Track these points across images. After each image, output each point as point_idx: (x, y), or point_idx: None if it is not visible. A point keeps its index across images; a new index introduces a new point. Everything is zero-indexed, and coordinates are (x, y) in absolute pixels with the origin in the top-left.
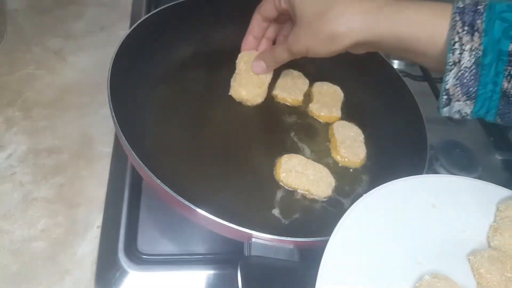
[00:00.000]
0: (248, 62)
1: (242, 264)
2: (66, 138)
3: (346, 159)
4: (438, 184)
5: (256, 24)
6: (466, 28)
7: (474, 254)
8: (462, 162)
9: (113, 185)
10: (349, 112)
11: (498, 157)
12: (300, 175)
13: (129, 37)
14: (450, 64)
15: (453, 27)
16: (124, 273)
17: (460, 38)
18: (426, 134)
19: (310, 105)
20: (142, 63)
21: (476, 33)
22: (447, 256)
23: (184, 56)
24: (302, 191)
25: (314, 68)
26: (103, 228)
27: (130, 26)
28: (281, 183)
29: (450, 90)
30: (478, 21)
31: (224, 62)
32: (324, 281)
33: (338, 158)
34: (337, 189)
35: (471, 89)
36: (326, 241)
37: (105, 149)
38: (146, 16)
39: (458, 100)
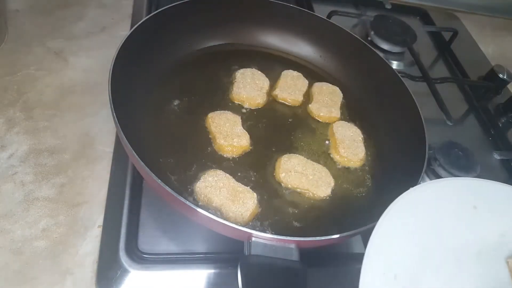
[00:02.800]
0: (244, 73)
1: (242, 263)
2: (67, 138)
3: (345, 159)
4: (481, 187)
5: None
6: None
7: None
8: (461, 162)
9: (114, 185)
10: (349, 112)
11: (497, 157)
12: (300, 175)
13: (130, 38)
14: None
15: None
16: (125, 272)
17: None
18: (425, 134)
19: (310, 105)
20: (143, 63)
21: None
22: (485, 257)
23: (184, 56)
24: (302, 191)
25: (314, 69)
26: (104, 228)
27: (131, 27)
28: (281, 183)
29: None
30: None
31: (224, 63)
32: (368, 271)
33: (337, 158)
34: (336, 189)
35: None
36: (326, 241)
37: (106, 149)
38: (147, 17)
39: None
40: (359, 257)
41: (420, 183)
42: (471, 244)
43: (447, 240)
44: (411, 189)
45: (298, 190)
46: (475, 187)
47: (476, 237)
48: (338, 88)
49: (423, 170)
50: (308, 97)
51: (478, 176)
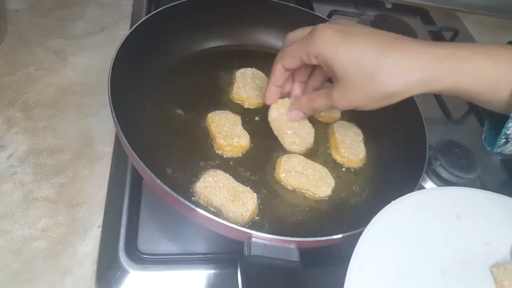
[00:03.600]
0: (244, 73)
1: (242, 263)
2: (67, 138)
3: (345, 159)
4: (463, 196)
5: (279, 75)
6: None
7: (497, 267)
8: (461, 162)
9: (114, 185)
10: (349, 112)
11: (497, 157)
12: (300, 175)
13: (129, 38)
14: None
15: None
16: (124, 272)
17: None
18: (426, 134)
19: None
20: (142, 63)
21: None
22: (470, 267)
23: (184, 56)
24: (302, 191)
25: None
26: (104, 228)
27: (131, 27)
28: (281, 183)
29: (510, 135)
30: None
31: (224, 63)
32: (352, 283)
33: (337, 158)
34: (336, 189)
35: None
36: (326, 241)
37: (106, 149)
38: (147, 16)
39: None
40: None
41: (420, 183)
42: (455, 255)
43: (431, 252)
44: (392, 203)
45: (298, 190)
46: (457, 196)
47: (460, 247)
48: None
49: (424, 170)
50: None
51: (479, 176)
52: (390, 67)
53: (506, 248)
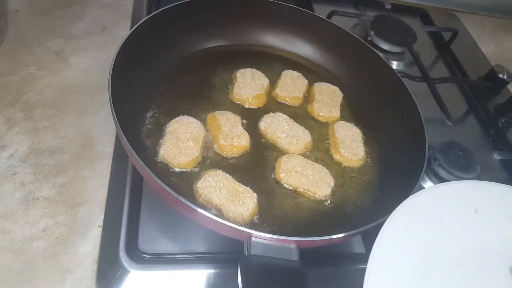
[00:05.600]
0: (244, 73)
1: (242, 263)
2: (67, 138)
3: (345, 159)
4: (481, 190)
5: None
6: None
7: None
8: (461, 162)
9: (114, 185)
10: (349, 112)
11: (497, 157)
12: (300, 175)
13: (130, 38)
14: None
15: None
16: (125, 272)
17: None
18: (425, 134)
19: (310, 105)
20: (142, 63)
21: None
22: (489, 264)
23: (184, 56)
24: (302, 191)
25: (314, 69)
26: (104, 228)
27: (131, 27)
28: (281, 183)
29: None
30: None
31: (224, 63)
32: (371, 279)
33: (337, 157)
34: (336, 189)
35: None
36: (326, 241)
37: (106, 149)
38: (147, 17)
39: None
40: (359, 257)
41: (419, 183)
42: (473, 251)
43: (449, 248)
44: (410, 198)
45: (298, 190)
46: (474, 189)
47: (479, 242)
48: (338, 88)
49: (423, 170)
50: (308, 97)
51: (478, 176)
52: None
53: None
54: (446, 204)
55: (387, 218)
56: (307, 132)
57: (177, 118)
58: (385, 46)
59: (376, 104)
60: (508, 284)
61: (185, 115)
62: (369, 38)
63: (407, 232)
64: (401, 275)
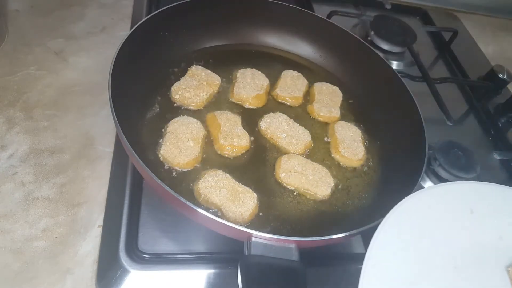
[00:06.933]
0: (244, 73)
1: (242, 263)
2: (67, 138)
3: (345, 159)
4: (477, 190)
5: None
6: None
7: None
8: (461, 162)
9: (114, 185)
10: (349, 112)
11: (497, 157)
12: (300, 175)
13: (130, 38)
14: None
15: None
16: (125, 272)
17: None
18: (425, 134)
19: (310, 105)
20: (143, 63)
21: None
22: (485, 263)
23: (184, 56)
24: (302, 191)
25: (314, 69)
26: (104, 228)
27: (131, 27)
28: (281, 183)
29: None
30: None
31: (224, 63)
32: (366, 279)
33: (337, 157)
34: (336, 189)
35: None
36: (326, 241)
37: (106, 149)
38: (147, 17)
39: None
40: (359, 257)
41: (419, 183)
42: (469, 250)
43: (445, 247)
44: (406, 198)
45: (298, 190)
46: (470, 190)
47: (474, 242)
48: (338, 88)
49: (423, 170)
50: (308, 97)
51: (478, 176)
52: None
53: None
54: (442, 204)
55: None
56: (307, 132)
57: (177, 118)
58: (385, 46)
59: (376, 104)
60: (504, 283)
61: (185, 115)
62: (369, 38)
63: (403, 232)
64: (396, 275)
